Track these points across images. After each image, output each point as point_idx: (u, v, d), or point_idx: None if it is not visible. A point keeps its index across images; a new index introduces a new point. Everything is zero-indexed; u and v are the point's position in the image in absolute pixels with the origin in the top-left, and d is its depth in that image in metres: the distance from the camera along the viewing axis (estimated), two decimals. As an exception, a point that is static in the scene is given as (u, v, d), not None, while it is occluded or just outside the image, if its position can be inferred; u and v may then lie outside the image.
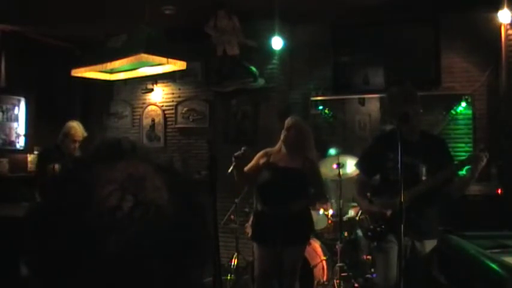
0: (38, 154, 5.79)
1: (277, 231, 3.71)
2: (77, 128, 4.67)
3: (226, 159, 3.80)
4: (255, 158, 3.96)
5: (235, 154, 3.73)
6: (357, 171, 3.64)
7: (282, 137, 3.89)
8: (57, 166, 4.46)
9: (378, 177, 3.43)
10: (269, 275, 3.84)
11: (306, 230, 3.94)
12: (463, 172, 3.50)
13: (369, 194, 3.58)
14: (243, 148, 3.75)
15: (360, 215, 3.54)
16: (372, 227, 3.25)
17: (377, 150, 3.39)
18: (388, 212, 3.13)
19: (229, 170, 3.80)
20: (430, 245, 3.18)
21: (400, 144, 2.70)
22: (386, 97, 3.39)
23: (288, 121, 3.91)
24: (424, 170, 3.17)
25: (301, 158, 3.82)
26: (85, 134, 4.71)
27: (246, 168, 3.91)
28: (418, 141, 3.20)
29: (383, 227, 3.20)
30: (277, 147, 3.94)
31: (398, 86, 3.41)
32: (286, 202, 3.72)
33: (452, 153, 3.60)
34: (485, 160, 3.04)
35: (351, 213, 5.19)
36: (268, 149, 3.98)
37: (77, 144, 4.63)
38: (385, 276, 3.22)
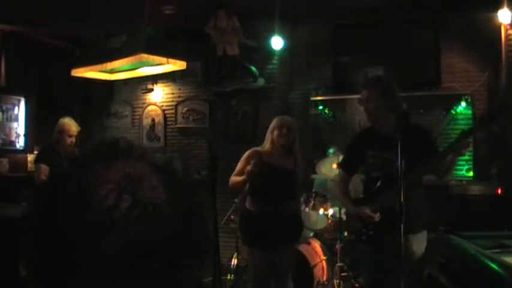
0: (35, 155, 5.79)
1: (267, 232, 3.68)
2: (70, 123, 4.68)
3: (226, 159, 3.78)
4: (244, 158, 3.80)
5: (249, 170, 3.56)
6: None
7: (273, 136, 3.77)
8: (43, 166, 4.45)
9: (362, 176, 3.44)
10: (263, 276, 3.79)
11: (296, 230, 3.92)
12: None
13: (352, 193, 3.59)
14: (252, 162, 3.60)
15: (347, 218, 3.52)
16: (364, 230, 3.21)
17: (355, 148, 3.42)
18: (377, 215, 3.10)
19: (246, 189, 3.78)
20: (417, 239, 3.09)
21: (400, 144, 2.68)
22: None
23: (278, 121, 3.81)
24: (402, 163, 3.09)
25: (293, 158, 3.80)
26: (79, 129, 4.72)
27: (236, 172, 3.78)
28: (393, 134, 2.89)
29: (373, 230, 3.17)
30: (267, 147, 3.81)
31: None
32: (282, 202, 3.72)
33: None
34: (469, 146, 3.02)
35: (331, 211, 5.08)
36: (257, 148, 3.86)
37: (73, 139, 4.63)
38: (374, 280, 3.21)
